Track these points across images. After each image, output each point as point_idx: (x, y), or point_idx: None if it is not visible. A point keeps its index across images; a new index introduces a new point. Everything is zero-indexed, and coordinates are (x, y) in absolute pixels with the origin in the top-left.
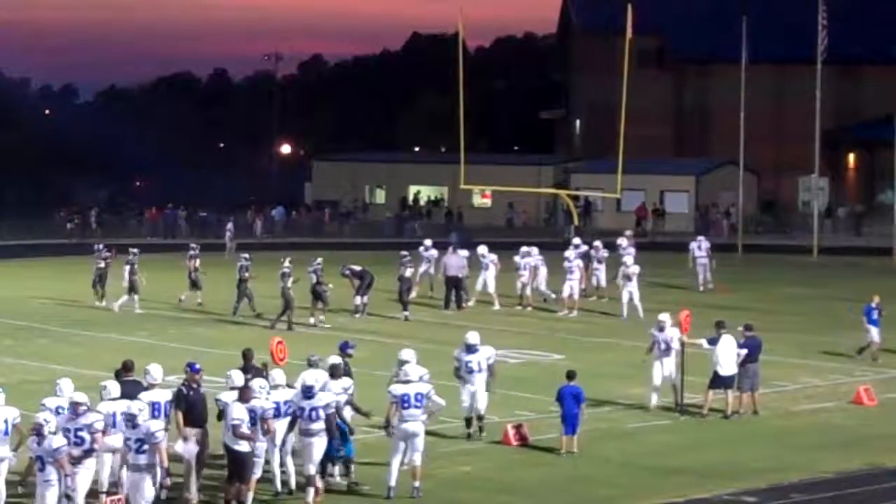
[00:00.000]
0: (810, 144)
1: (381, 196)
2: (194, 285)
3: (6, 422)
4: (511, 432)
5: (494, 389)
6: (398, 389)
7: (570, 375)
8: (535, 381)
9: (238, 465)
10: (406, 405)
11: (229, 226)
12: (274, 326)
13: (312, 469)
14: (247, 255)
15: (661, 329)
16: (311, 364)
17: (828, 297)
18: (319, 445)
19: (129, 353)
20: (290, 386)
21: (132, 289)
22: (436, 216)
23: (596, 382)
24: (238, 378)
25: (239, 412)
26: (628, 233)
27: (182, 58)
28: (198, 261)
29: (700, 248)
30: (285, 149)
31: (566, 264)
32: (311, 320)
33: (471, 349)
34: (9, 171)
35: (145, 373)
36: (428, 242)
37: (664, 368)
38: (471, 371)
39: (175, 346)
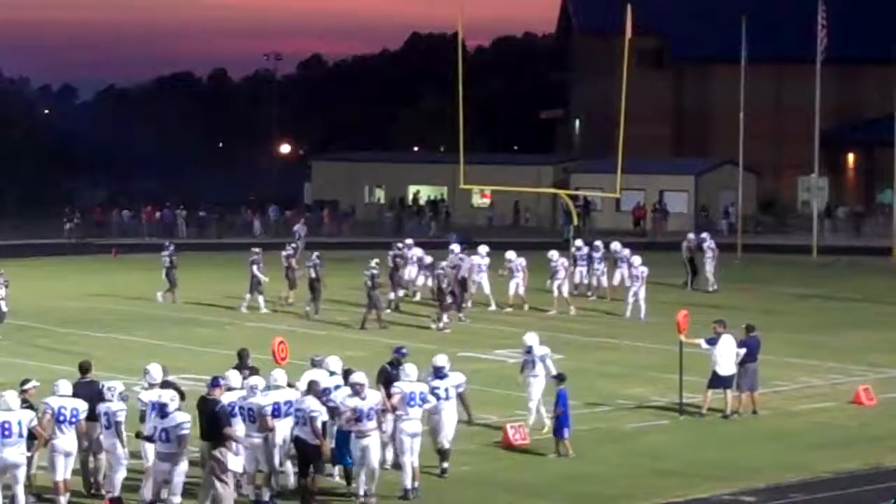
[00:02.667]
0: (810, 144)
1: (380, 195)
2: (292, 284)
3: (20, 424)
4: (511, 432)
5: (474, 420)
6: (405, 387)
7: (562, 378)
8: None
9: (314, 458)
10: (411, 403)
11: (297, 227)
12: (364, 326)
13: (177, 500)
14: (318, 254)
15: (528, 351)
16: (314, 364)
17: (827, 297)
18: (181, 472)
19: (129, 352)
20: (290, 386)
21: (254, 287)
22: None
23: (596, 382)
24: (235, 379)
25: (315, 405)
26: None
27: (181, 57)
28: (294, 260)
29: (709, 246)
30: (284, 148)
31: (551, 264)
32: (435, 326)
33: (439, 373)
34: (8, 171)
35: (145, 372)
36: (409, 241)
37: (530, 389)
38: (437, 398)
39: (176, 346)
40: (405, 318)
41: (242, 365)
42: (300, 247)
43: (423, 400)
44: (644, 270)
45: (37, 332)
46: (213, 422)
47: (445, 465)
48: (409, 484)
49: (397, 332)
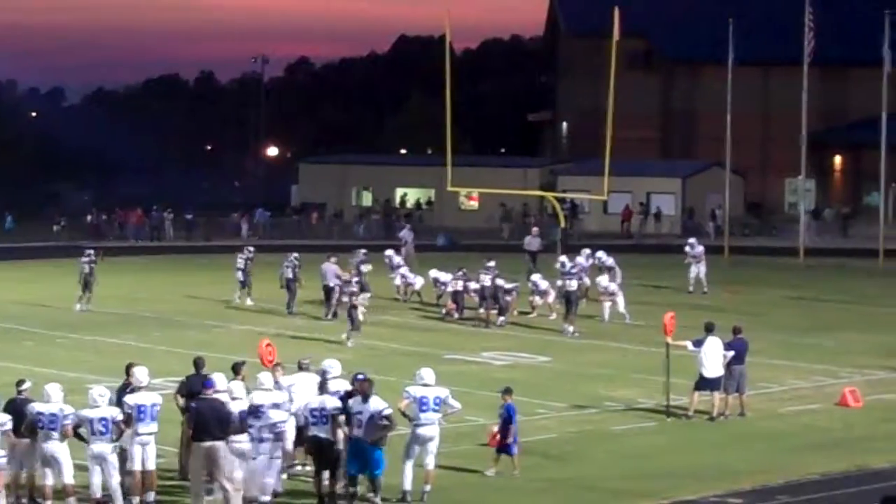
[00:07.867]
0: (797, 146)
1: (367, 198)
2: (362, 288)
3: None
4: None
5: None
6: (417, 392)
7: (509, 391)
8: (521, 384)
9: (332, 458)
10: (424, 408)
11: (402, 233)
12: (496, 324)
13: None
14: (296, 255)
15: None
16: (301, 367)
17: (814, 299)
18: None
19: (115, 355)
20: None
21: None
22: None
23: (582, 384)
24: (221, 382)
25: (335, 403)
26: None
27: (169, 60)
28: (370, 265)
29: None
30: (272, 151)
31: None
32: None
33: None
34: None
35: (130, 376)
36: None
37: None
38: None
39: (163, 349)
40: (392, 320)
41: (198, 374)
42: (408, 252)
43: (438, 405)
44: (609, 286)
45: (22, 335)
46: (225, 422)
47: None
48: (408, 486)
49: (390, 333)
